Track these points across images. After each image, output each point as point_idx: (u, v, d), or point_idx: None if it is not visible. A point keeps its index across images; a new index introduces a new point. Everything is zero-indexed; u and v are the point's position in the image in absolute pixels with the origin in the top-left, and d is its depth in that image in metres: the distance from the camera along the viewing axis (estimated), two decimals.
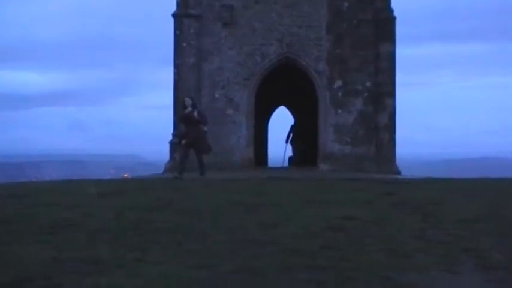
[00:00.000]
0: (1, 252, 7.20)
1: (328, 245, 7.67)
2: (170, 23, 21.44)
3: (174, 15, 21.28)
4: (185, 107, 15.51)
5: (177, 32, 21.15)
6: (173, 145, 20.62)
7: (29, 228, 8.57)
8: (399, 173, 20.74)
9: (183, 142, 15.53)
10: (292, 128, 27.16)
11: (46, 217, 9.34)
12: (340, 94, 20.84)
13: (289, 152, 27.53)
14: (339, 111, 20.87)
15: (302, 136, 25.74)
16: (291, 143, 26.95)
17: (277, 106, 29.96)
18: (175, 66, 21.22)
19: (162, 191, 12.54)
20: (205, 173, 15.80)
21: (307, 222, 9.08)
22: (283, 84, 25.16)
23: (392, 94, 21.09)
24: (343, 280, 6.30)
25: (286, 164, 27.23)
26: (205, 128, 15.74)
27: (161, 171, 21.30)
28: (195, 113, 15.28)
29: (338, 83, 20.85)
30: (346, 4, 20.85)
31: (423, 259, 7.12)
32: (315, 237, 8.11)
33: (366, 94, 20.77)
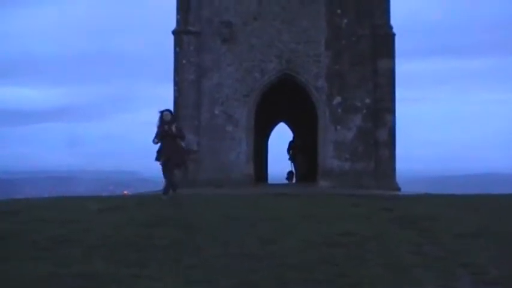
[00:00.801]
0: None
1: (326, 260, 7.70)
2: (169, 39, 21.59)
3: (173, 32, 21.41)
4: (164, 122, 14.45)
5: (177, 49, 21.26)
6: None
7: (25, 244, 8.60)
8: (399, 189, 20.73)
9: (161, 160, 14.41)
10: (291, 144, 27.18)
11: (43, 233, 9.37)
12: (339, 110, 20.89)
13: (290, 167, 27.53)
14: (338, 127, 20.90)
15: (302, 151, 25.72)
16: (291, 158, 26.96)
17: (277, 122, 29.99)
18: (175, 83, 21.30)
19: (159, 206, 12.57)
20: (176, 190, 14.69)
21: (305, 237, 9.11)
22: (283, 100, 25.25)
23: (391, 110, 21.14)
24: None
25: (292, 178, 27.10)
26: (183, 144, 15.09)
27: (161, 187, 21.27)
28: (173, 128, 14.47)
29: (337, 99, 20.90)
30: (345, 20, 20.96)
31: (421, 274, 7.15)
32: (313, 252, 8.14)
33: (365, 110, 20.82)
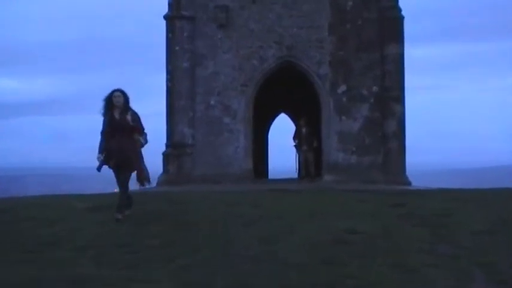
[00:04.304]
0: None
1: (332, 261, 7.73)
2: (162, 25, 21.54)
3: (165, 17, 21.35)
4: (112, 107, 10.70)
5: (170, 34, 21.19)
6: (166, 156, 20.68)
7: (11, 246, 8.63)
8: (409, 183, 20.71)
9: (111, 163, 10.55)
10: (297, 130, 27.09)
11: (30, 234, 9.41)
12: (344, 100, 20.88)
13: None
14: (344, 118, 20.89)
15: (309, 142, 25.61)
16: (296, 147, 26.87)
17: (278, 113, 30.03)
18: (168, 71, 21.24)
19: (154, 203, 12.58)
20: (132, 206, 11.09)
21: (308, 236, 9.14)
22: (284, 89, 25.24)
23: (400, 99, 21.08)
24: None
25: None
26: (143, 140, 10.82)
27: (153, 184, 21.31)
28: (129, 117, 10.70)
29: (342, 87, 20.90)
30: (350, 3, 20.92)
31: (433, 274, 7.18)
32: (317, 252, 8.17)
33: (372, 99, 20.81)
